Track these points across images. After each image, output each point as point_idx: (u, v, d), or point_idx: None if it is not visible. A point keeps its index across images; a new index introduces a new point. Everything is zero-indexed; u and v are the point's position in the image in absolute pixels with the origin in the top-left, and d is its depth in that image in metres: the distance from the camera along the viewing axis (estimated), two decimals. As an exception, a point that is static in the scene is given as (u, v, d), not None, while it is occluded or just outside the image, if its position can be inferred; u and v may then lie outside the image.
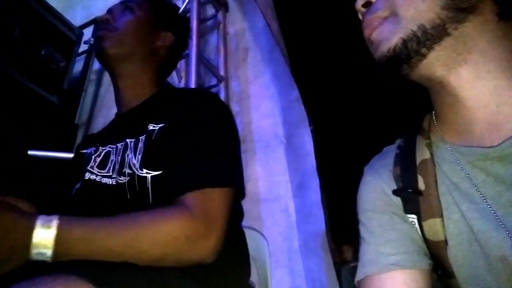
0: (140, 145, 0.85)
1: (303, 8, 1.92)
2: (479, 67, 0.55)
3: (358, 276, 0.65)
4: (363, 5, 0.64)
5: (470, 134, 0.58)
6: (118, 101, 1.04)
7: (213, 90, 2.11)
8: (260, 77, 2.02)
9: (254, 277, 1.03)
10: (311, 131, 1.66)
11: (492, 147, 0.54)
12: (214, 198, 0.73)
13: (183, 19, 1.24)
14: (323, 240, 1.46)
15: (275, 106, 1.88)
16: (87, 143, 1.07)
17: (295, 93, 1.77)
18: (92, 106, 2.45)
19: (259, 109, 1.93)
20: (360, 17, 0.65)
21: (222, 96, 2.09)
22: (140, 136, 0.87)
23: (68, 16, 2.51)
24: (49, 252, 0.59)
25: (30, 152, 1.62)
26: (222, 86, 2.14)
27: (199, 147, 0.80)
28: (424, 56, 0.56)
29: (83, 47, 2.53)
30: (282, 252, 1.53)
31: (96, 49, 1.01)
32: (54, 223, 0.61)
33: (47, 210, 0.68)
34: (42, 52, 2.20)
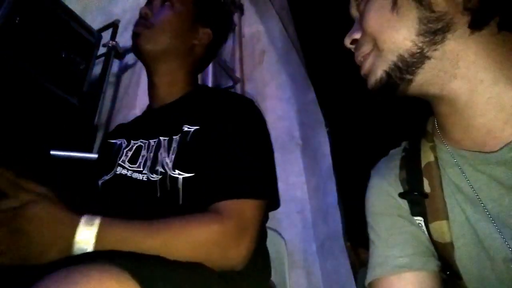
0: (174, 145, 0.86)
1: (319, 11, 1.92)
2: (471, 79, 0.56)
3: (368, 279, 0.66)
4: (351, 43, 0.67)
5: (469, 140, 0.59)
6: (152, 96, 1.04)
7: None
8: (276, 79, 2.03)
9: (272, 277, 1.05)
10: (328, 133, 1.66)
11: (492, 152, 0.55)
12: (249, 209, 0.74)
13: (225, 14, 1.18)
14: (339, 241, 1.46)
15: (291, 108, 1.89)
16: (117, 133, 1.07)
17: (311, 95, 1.78)
18: (111, 107, 2.49)
19: (275, 111, 1.94)
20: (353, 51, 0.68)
21: (238, 98, 2.11)
22: (174, 136, 0.87)
23: (87, 19, 2.57)
24: (89, 248, 0.62)
25: (52, 152, 1.66)
26: (238, 88, 2.16)
27: (236, 154, 0.80)
28: (410, 81, 0.58)
29: (101, 50, 2.58)
30: (298, 253, 1.53)
31: (133, 45, 1.00)
32: (97, 222, 0.65)
33: (73, 204, 0.70)
34: (63, 55, 2.26)
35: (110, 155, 0.98)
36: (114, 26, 2.64)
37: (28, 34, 2.01)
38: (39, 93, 1.99)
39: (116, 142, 1.01)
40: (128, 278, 0.50)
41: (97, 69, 2.57)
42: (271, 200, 0.82)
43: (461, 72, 0.56)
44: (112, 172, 0.93)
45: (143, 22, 0.98)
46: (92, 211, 0.72)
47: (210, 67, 2.00)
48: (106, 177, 0.93)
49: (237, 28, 2.36)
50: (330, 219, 1.52)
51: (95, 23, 2.69)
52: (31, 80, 1.94)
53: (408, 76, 0.58)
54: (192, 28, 1.01)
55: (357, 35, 0.65)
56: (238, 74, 2.18)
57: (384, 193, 0.69)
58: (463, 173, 0.58)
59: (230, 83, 2.18)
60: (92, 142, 2.28)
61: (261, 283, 0.88)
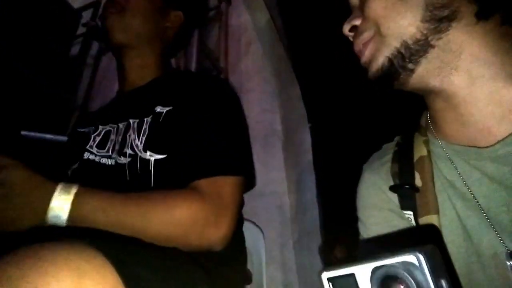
0: (145, 126, 0.83)
1: (307, 5, 1.91)
2: (471, 73, 0.55)
3: None
4: (350, 30, 0.65)
5: (463, 136, 0.58)
6: (121, 79, 1.01)
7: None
8: (261, 72, 2.01)
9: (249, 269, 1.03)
10: (310, 128, 1.66)
11: (485, 147, 0.55)
12: (227, 186, 0.73)
13: None
14: (316, 237, 1.46)
15: (275, 102, 1.87)
16: (85, 121, 1.04)
17: (296, 90, 1.77)
18: (88, 90, 2.41)
19: (259, 104, 1.92)
20: (350, 38, 0.67)
21: (221, 88, 2.08)
22: (145, 117, 0.85)
23: (68, -2, 2.46)
24: (64, 215, 0.62)
25: (23, 132, 1.59)
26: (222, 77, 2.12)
27: (211, 133, 0.79)
28: (412, 71, 0.57)
29: (81, 30, 2.48)
30: (275, 247, 1.53)
31: (103, 31, 0.96)
32: (73, 190, 0.64)
33: None
34: (39, 34, 2.16)
35: (78, 143, 0.95)
36: (95, 5, 2.54)
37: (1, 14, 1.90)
38: (11, 72, 1.90)
39: (84, 130, 0.98)
40: (98, 256, 0.48)
41: (75, 50, 2.48)
42: (248, 178, 0.80)
43: (463, 65, 0.56)
44: (80, 159, 0.90)
45: (112, 6, 0.95)
46: None
47: (194, 55, 1.96)
48: (74, 166, 0.91)
49: (223, 17, 2.32)
50: (308, 214, 1.52)
51: (76, 2, 2.59)
52: (3, 59, 1.85)
53: (411, 65, 0.56)
54: (163, 11, 1.00)
55: (357, 21, 0.63)
56: (222, 64, 2.14)
57: (375, 187, 0.69)
58: (455, 167, 0.58)
59: (214, 73, 2.14)
60: (68, 125, 2.19)
61: (238, 269, 0.87)
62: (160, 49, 1.01)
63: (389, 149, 0.72)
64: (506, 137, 0.54)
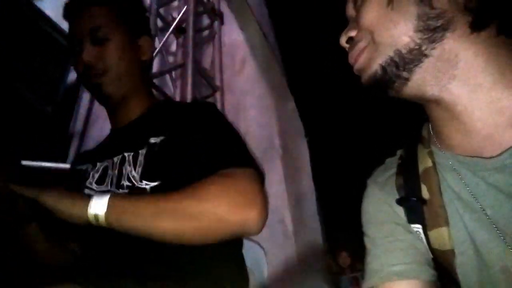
0: (140, 158, 0.85)
1: (299, 21, 1.94)
2: (469, 81, 0.55)
3: (365, 286, 0.65)
4: (346, 42, 0.65)
5: (467, 146, 0.58)
6: (113, 119, 1.01)
7: (209, 100, 2.11)
8: (256, 88, 2.03)
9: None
10: (307, 142, 1.67)
11: (491, 158, 0.54)
12: (253, 174, 0.75)
13: (143, 10, 1.12)
14: (319, 251, 1.45)
15: (271, 117, 1.89)
16: (82, 159, 1.05)
17: (292, 104, 1.78)
18: (87, 116, 2.43)
19: (255, 120, 1.93)
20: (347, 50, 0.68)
21: (218, 107, 2.09)
22: (140, 149, 0.86)
23: (64, 25, 2.50)
24: (102, 213, 0.70)
25: (23, 163, 1.60)
26: (217, 96, 2.14)
27: (212, 143, 0.81)
28: (407, 79, 0.56)
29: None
30: (278, 262, 1.52)
31: (96, 96, 0.96)
32: (107, 195, 0.72)
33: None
34: (36, 61, 2.19)
35: (77, 182, 0.96)
36: (75, 63, 2.57)
37: None
38: (10, 99, 1.92)
39: (82, 168, 0.99)
40: None
41: (73, 76, 2.51)
42: (260, 174, 0.80)
43: (460, 74, 0.55)
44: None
45: (93, 73, 0.92)
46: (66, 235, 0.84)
47: (190, 75, 1.98)
48: None
49: (217, 36, 2.35)
50: (310, 228, 1.52)
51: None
52: (1, 85, 1.87)
53: (405, 74, 0.56)
54: (135, 46, 0.98)
55: (353, 33, 0.63)
56: (218, 83, 2.17)
57: (380, 202, 0.68)
58: (462, 179, 0.57)
59: (210, 92, 2.17)
60: (67, 151, 2.21)
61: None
62: (143, 82, 1.01)
63: (392, 163, 0.71)
64: (510, 146, 0.53)
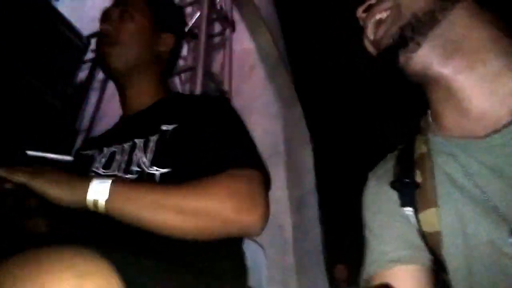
0: (151, 144, 0.85)
1: (309, 29, 1.97)
2: (471, 55, 0.58)
3: (363, 276, 0.66)
4: (364, 11, 0.68)
5: (462, 127, 0.60)
6: (124, 105, 1.02)
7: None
8: (264, 95, 2.05)
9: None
10: (312, 149, 1.68)
11: (482, 138, 0.57)
12: (256, 176, 0.75)
13: (182, 15, 1.21)
14: (318, 258, 1.44)
15: (277, 124, 1.90)
16: (89, 145, 1.05)
17: (298, 112, 1.80)
18: (94, 114, 2.46)
19: (261, 126, 1.94)
20: (362, 24, 0.69)
21: (225, 111, 2.11)
22: (151, 136, 0.87)
23: (78, 25, 2.56)
24: (102, 199, 0.66)
25: (29, 152, 1.61)
26: (225, 101, 2.16)
27: (222, 138, 0.81)
28: (419, 44, 0.59)
29: (90, 55, 2.56)
30: (276, 268, 1.51)
31: (101, 65, 0.99)
32: (109, 180, 0.69)
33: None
34: (50, 56, 2.23)
35: (82, 166, 0.96)
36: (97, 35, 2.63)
37: (18, 33, 1.98)
38: (22, 90, 1.95)
39: (88, 153, 1.00)
40: (101, 261, 0.49)
41: (83, 74, 2.55)
42: (265, 176, 0.80)
43: (464, 47, 0.59)
44: None
45: (106, 40, 0.96)
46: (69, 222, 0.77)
47: (199, 79, 2.01)
48: None
49: (227, 43, 2.39)
50: (310, 235, 1.51)
51: (86, 30, 2.68)
52: (15, 77, 1.91)
53: (419, 38, 0.59)
54: (155, 36, 1.01)
55: (372, 1, 0.66)
56: (226, 87, 2.19)
57: (379, 192, 0.69)
58: (456, 160, 0.59)
59: (218, 95, 2.19)
60: (72, 147, 2.22)
61: (238, 284, 0.86)
62: (157, 73, 1.03)
63: (392, 156, 0.73)
64: (502, 127, 0.55)
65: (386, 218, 0.67)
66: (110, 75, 0.99)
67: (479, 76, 0.58)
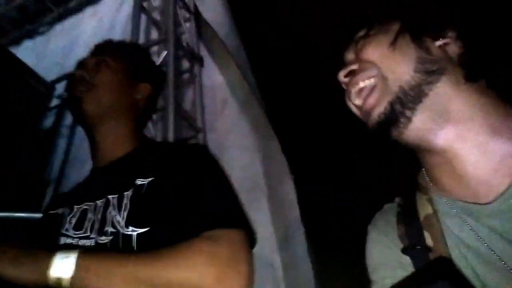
0: (126, 201, 0.80)
1: (278, 60, 1.98)
2: (461, 125, 0.59)
3: None
4: (345, 76, 0.68)
5: (464, 191, 0.60)
6: (95, 155, 0.98)
7: (191, 141, 2.09)
8: (238, 128, 2.03)
9: None
10: (293, 180, 1.65)
11: (487, 203, 0.57)
12: (237, 236, 0.71)
13: (158, 67, 1.24)
14: (312, 294, 1.39)
15: (255, 157, 1.87)
16: (57, 203, 0.99)
17: (275, 143, 1.77)
18: (63, 162, 2.35)
19: (239, 161, 1.91)
20: (344, 87, 0.69)
21: (200, 147, 2.07)
22: (125, 192, 0.82)
23: (41, 70, 2.49)
24: (67, 276, 0.61)
25: (-5, 214, 1.50)
26: (200, 137, 2.13)
27: (201, 193, 0.77)
28: (409, 119, 0.60)
29: (55, 102, 2.48)
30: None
31: (72, 109, 0.96)
32: (74, 253, 0.63)
33: None
34: (12, 106, 2.14)
35: (51, 228, 0.90)
36: (70, 77, 2.56)
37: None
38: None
39: (57, 212, 0.93)
40: None
41: (49, 121, 2.46)
42: (249, 234, 0.77)
43: (453, 118, 0.59)
44: (56, 246, 0.84)
45: (81, 84, 0.95)
46: None
47: (171, 117, 1.97)
48: None
49: (197, 79, 2.37)
50: (300, 271, 1.46)
51: (50, 76, 2.61)
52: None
53: (408, 113, 0.59)
54: (131, 85, 1.02)
55: (355, 66, 0.66)
56: (199, 124, 2.16)
57: (384, 246, 0.68)
58: (466, 223, 0.58)
59: (192, 133, 2.15)
60: (42, 198, 2.11)
61: None
62: (132, 121, 1.01)
63: (391, 209, 0.72)
64: (504, 191, 0.56)
65: (400, 275, 0.65)
66: (82, 119, 0.96)
67: (471, 145, 0.58)
